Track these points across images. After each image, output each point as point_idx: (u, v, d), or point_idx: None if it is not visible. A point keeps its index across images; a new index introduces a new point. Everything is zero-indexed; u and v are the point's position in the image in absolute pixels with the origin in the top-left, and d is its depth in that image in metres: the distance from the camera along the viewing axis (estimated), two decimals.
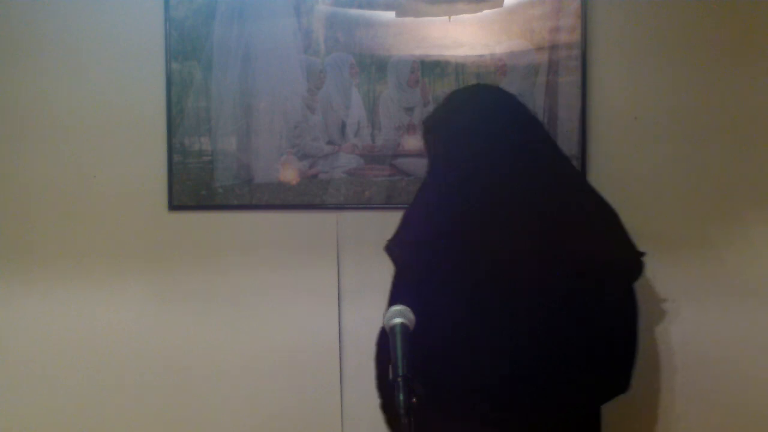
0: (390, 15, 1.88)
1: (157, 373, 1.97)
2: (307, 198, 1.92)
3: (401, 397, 1.12)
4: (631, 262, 1.60)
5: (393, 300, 1.60)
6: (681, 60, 1.83)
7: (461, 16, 1.87)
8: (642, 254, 1.60)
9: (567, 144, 1.84)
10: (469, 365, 1.49)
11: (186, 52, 1.93)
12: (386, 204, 1.90)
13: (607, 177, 1.85)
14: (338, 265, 1.91)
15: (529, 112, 1.68)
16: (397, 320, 1.26)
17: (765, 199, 1.83)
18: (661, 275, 1.84)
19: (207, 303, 1.96)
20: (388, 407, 1.60)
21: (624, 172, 1.85)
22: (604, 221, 1.61)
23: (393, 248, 1.65)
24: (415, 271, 1.59)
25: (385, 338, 1.58)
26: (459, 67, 1.87)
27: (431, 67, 1.88)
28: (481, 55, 1.86)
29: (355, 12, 1.89)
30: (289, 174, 1.92)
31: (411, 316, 1.28)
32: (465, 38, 1.87)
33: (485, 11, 1.86)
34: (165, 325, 1.97)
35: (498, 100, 1.66)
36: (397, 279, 1.63)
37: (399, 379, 1.15)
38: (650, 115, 1.84)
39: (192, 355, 1.96)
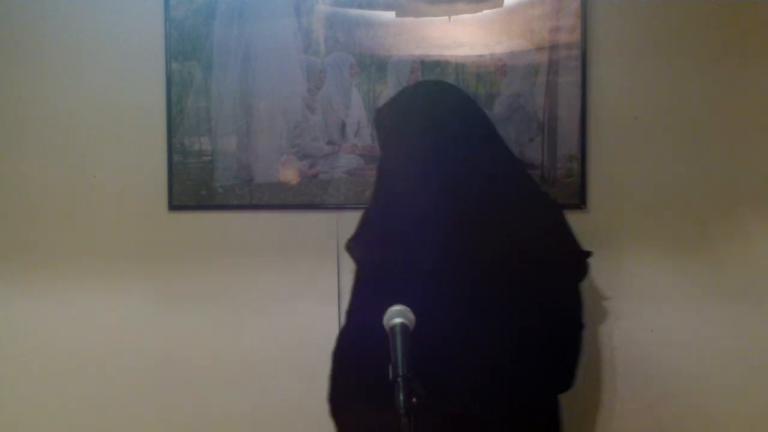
0: (390, 15, 1.88)
1: (157, 373, 1.97)
2: (307, 198, 1.92)
3: (401, 397, 1.12)
4: (577, 262, 1.63)
5: (355, 298, 1.62)
6: (681, 60, 1.83)
7: (461, 16, 1.87)
8: (588, 254, 1.62)
9: (567, 144, 1.84)
10: (434, 362, 1.50)
11: (186, 52, 1.93)
12: None
13: (607, 177, 1.85)
14: (338, 265, 1.91)
15: (482, 110, 1.70)
16: (397, 320, 1.26)
17: (765, 199, 1.83)
18: (661, 275, 1.84)
19: (207, 303, 1.96)
20: (333, 398, 1.63)
21: (624, 172, 1.85)
22: (550, 221, 1.63)
23: (353, 247, 1.66)
24: (378, 270, 1.59)
25: (345, 336, 1.62)
26: (459, 67, 1.87)
27: (431, 67, 1.88)
28: (481, 55, 1.86)
29: (355, 12, 1.89)
30: (289, 174, 1.92)
31: (411, 316, 1.29)
32: (465, 38, 1.87)
33: (485, 11, 1.86)
34: (165, 325, 1.97)
35: (451, 98, 1.67)
36: (359, 278, 1.64)
37: (399, 379, 1.15)
38: (650, 115, 1.84)
39: (192, 354, 1.96)
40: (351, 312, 1.63)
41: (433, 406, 1.46)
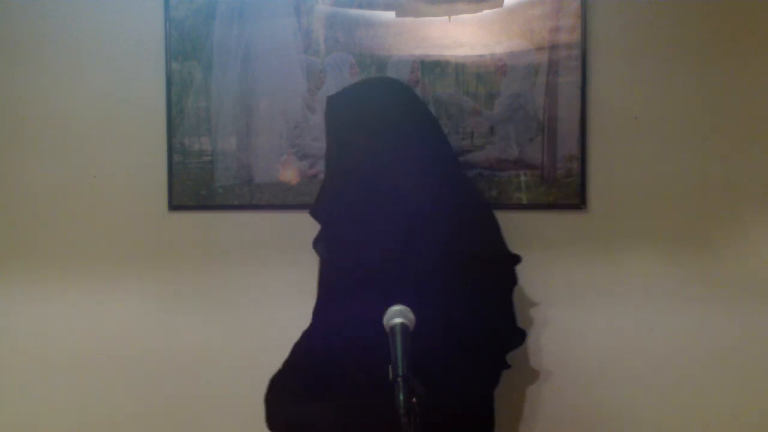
0: (390, 15, 1.88)
1: (157, 373, 1.97)
2: (307, 198, 1.91)
3: (401, 397, 1.12)
4: (507, 270, 1.70)
5: (320, 297, 1.67)
6: (681, 60, 1.83)
7: (461, 16, 1.87)
8: (517, 259, 1.69)
9: (567, 144, 1.84)
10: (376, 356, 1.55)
11: (186, 52, 1.93)
12: None
13: (607, 177, 1.85)
14: None
15: (428, 109, 1.78)
16: (397, 320, 1.26)
17: (765, 199, 1.83)
18: (660, 275, 1.84)
19: (207, 303, 1.96)
20: (273, 382, 1.69)
21: (624, 172, 1.85)
22: (487, 231, 1.70)
23: (320, 246, 1.71)
24: (341, 270, 1.65)
25: (308, 333, 1.67)
26: (459, 67, 1.87)
27: (431, 67, 1.88)
28: (481, 55, 1.86)
29: (355, 12, 1.89)
30: (289, 174, 1.92)
31: (411, 316, 1.29)
32: (465, 38, 1.87)
33: (485, 11, 1.86)
34: (165, 325, 1.97)
35: (402, 96, 1.73)
36: (324, 277, 1.68)
37: (399, 379, 1.15)
38: (650, 115, 1.84)
39: (191, 354, 1.96)
40: (316, 311, 1.68)
41: (372, 400, 1.50)
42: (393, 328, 1.26)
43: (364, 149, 1.67)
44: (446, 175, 1.68)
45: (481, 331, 1.63)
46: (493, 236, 1.69)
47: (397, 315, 1.27)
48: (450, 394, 1.56)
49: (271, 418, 1.69)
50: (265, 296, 1.94)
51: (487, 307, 1.65)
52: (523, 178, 1.85)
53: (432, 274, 1.59)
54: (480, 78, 1.86)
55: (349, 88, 1.79)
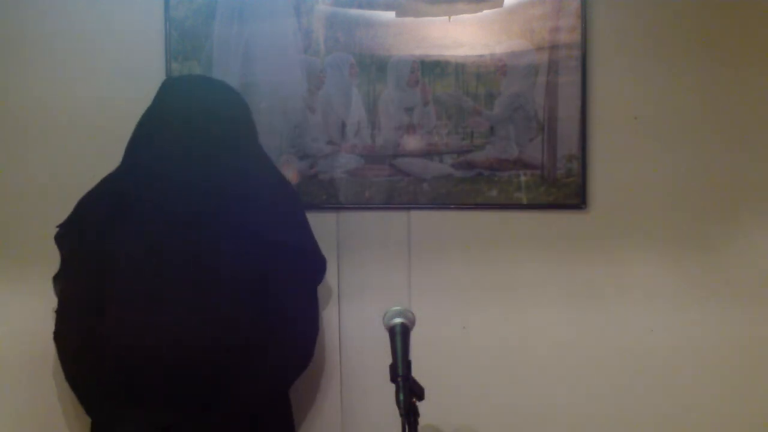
0: (390, 15, 1.88)
1: None
2: (307, 198, 1.91)
3: (401, 397, 1.13)
4: (315, 269, 1.70)
5: (63, 293, 1.65)
6: (681, 60, 1.83)
7: (461, 16, 1.87)
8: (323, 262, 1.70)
9: (567, 144, 1.84)
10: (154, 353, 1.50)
11: (186, 52, 1.93)
12: (386, 204, 1.90)
13: (607, 177, 1.85)
14: (338, 265, 1.91)
15: (245, 109, 1.74)
16: (397, 320, 1.27)
17: (765, 199, 1.83)
18: (661, 275, 1.85)
19: None
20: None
21: (624, 172, 1.85)
22: (292, 224, 1.66)
23: (62, 237, 1.68)
24: (84, 259, 1.62)
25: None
26: (459, 67, 1.87)
27: (431, 67, 1.88)
28: (481, 55, 1.86)
29: (355, 12, 1.89)
30: (289, 174, 1.92)
31: (411, 316, 1.29)
32: (465, 38, 1.87)
33: (485, 11, 1.86)
34: None
35: (215, 94, 1.70)
36: (65, 269, 1.67)
37: (399, 379, 1.15)
38: (650, 115, 1.84)
39: None
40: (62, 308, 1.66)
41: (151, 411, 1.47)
42: (393, 328, 1.26)
43: (160, 141, 1.64)
44: (231, 174, 1.61)
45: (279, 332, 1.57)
46: (301, 236, 1.67)
47: (397, 315, 1.28)
48: (241, 396, 1.52)
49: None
50: None
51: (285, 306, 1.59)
52: (523, 178, 1.86)
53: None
54: (480, 78, 1.86)
55: (182, 77, 1.77)
